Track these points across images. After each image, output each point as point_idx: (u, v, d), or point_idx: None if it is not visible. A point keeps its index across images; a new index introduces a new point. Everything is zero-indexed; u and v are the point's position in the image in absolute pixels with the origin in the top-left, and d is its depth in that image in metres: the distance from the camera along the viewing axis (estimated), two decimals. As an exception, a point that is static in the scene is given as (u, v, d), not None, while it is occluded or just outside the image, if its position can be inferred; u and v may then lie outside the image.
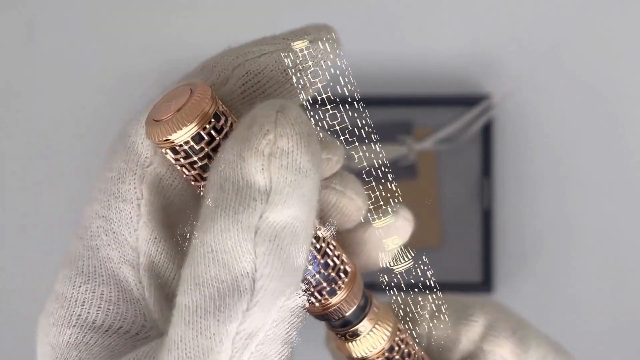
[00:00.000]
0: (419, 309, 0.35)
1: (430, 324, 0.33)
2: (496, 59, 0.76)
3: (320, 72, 0.29)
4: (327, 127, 0.33)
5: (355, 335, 0.31)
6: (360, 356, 0.32)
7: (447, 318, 0.35)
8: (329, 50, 0.29)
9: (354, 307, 0.31)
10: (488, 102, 0.73)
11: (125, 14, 0.76)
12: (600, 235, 0.76)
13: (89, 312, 0.28)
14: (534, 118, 0.76)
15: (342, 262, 0.30)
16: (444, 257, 0.73)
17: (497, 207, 0.75)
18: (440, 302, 0.34)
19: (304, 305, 0.29)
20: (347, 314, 0.31)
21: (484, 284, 0.73)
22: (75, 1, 0.76)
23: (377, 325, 0.32)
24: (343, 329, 0.31)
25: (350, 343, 0.32)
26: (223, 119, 0.28)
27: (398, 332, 0.32)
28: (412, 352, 0.33)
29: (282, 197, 0.24)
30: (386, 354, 0.32)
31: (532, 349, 0.34)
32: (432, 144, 0.73)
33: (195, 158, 0.28)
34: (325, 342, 0.34)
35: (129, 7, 0.76)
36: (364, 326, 0.31)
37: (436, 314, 0.35)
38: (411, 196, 0.74)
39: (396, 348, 0.32)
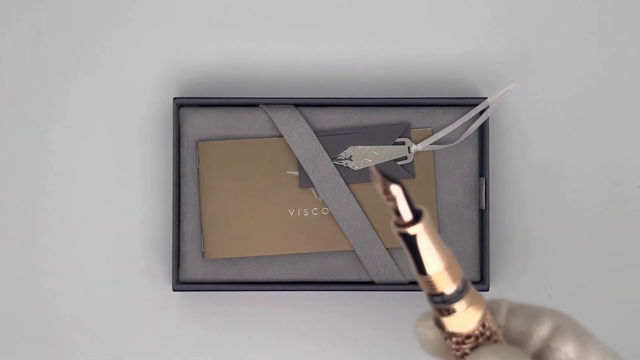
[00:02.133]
0: (498, 306, 0.41)
1: (509, 318, 0.40)
2: (493, 62, 0.76)
3: None
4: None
5: (452, 311, 0.37)
6: (450, 330, 0.38)
7: (521, 317, 0.41)
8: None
9: (454, 290, 0.37)
10: (484, 104, 0.73)
11: (131, 17, 0.76)
12: (596, 235, 0.76)
13: None
14: (531, 119, 0.76)
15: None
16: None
17: (493, 207, 0.75)
18: (514, 305, 0.41)
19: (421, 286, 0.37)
20: (445, 294, 0.37)
21: (480, 283, 0.74)
22: (81, 4, 0.76)
23: (471, 307, 0.37)
24: (441, 304, 0.37)
25: (444, 318, 0.37)
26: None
27: (487, 317, 0.38)
28: (496, 335, 0.38)
29: None
30: (476, 332, 0.38)
31: (593, 350, 0.40)
32: (429, 145, 0.73)
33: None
34: (416, 326, 0.41)
35: (136, 10, 0.76)
36: (460, 306, 0.37)
37: (512, 312, 0.41)
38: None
39: (482, 329, 0.38)
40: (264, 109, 0.73)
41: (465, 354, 0.38)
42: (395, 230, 0.36)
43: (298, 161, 0.73)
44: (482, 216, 0.74)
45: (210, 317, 0.75)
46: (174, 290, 0.73)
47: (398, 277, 0.73)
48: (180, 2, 0.76)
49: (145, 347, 0.75)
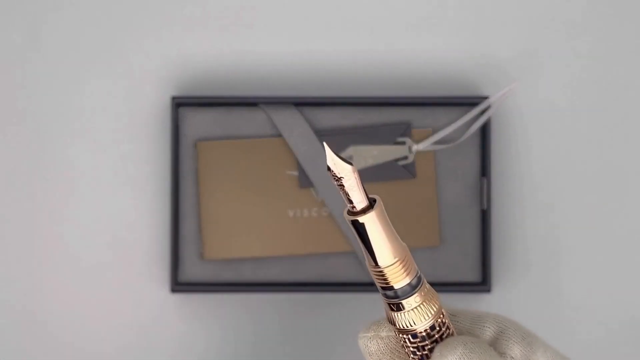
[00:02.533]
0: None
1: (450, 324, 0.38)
2: (494, 60, 0.76)
3: None
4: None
5: (403, 307, 0.36)
6: (402, 327, 0.37)
7: (462, 322, 0.39)
8: None
9: (406, 284, 0.36)
10: (486, 104, 0.73)
11: (129, 16, 0.76)
12: (598, 236, 0.76)
13: None
14: (532, 119, 0.76)
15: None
16: (442, 257, 0.73)
17: (495, 208, 0.75)
18: (454, 310, 0.39)
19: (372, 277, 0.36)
20: (397, 288, 0.36)
21: (482, 283, 0.73)
22: (80, 3, 0.76)
23: (424, 303, 0.36)
24: (393, 299, 0.36)
25: (396, 313, 0.37)
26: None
27: (441, 315, 0.37)
28: (451, 333, 0.38)
29: None
30: (427, 330, 0.37)
31: (539, 352, 0.38)
32: (430, 145, 0.73)
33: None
34: (358, 338, 0.40)
35: (134, 9, 0.76)
36: (413, 301, 0.36)
37: (453, 316, 0.39)
38: (410, 196, 0.74)
39: (437, 328, 0.37)
40: (263, 109, 0.73)
41: (427, 356, 0.37)
42: (347, 218, 0.35)
43: (298, 161, 0.73)
44: (484, 217, 0.73)
45: (209, 319, 0.75)
46: (172, 291, 0.73)
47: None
48: (179, 0, 0.76)
49: (143, 349, 0.75)
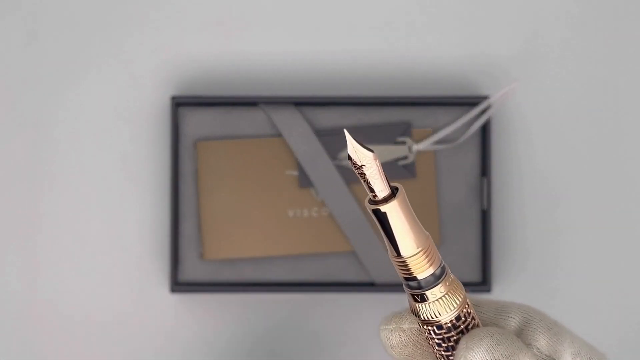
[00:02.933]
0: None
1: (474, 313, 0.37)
2: (495, 60, 0.76)
3: None
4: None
5: (427, 298, 0.35)
6: (427, 318, 0.36)
7: (486, 313, 0.38)
8: None
9: (430, 274, 0.35)
10: (487, 103, 0.73)
11: (129, 15, 0.76)
12: (599, 236, 0.76)
13: None
14: (533, 119, 0.76)
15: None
16: (442, 257, 0.73)
17: (495, 207, 0.75)
18: (478, 300, 0.38)
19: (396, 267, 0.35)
20: (421, 279, 0.35)
21: (482, 283, 0.73)
22: (79, 2, 0.76)
23: (448, 294, 0.36)
24: (417, 290, 0.35)
25: (420, 304, 0.35)
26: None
27: (466, 306, 0.36)
28: (476, 325, 0.37)
29: None
30: (453, 321, 0.36)
31: (566, 343, 0.37)
32: (430, 145, 0.73)
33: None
34: (379, 330, 0.39)
35: (133, 8, 0.76)
36: (437, 292, 0.35)
37: (477, 307, 0.38)
38: (410, 196, 0.74)
39: (462, 319, 0.36)
40: (263, 109, 0.73)
41: (452, 347, 0.36)
42: (369, 207, 0.34)
43: (298, 161, 0.73)
44: (484, 216, 0.73)
45: (209, 319, 0.75)
46: (171, 291, 0.73)
47: (399, 278, 0.72)
48: (179, 0, 0.76)
49: (143, 349, 0.75)
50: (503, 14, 0.76)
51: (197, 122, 0.73)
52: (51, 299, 0.75)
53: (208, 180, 0.73)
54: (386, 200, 0.34)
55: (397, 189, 0.34)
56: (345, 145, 0.75)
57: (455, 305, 0.35)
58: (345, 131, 0.34)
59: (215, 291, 0.73)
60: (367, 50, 0.76)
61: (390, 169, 0.73)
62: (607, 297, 0.76)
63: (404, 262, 0.35)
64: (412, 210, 0.35)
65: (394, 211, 0.34)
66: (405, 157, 0.73)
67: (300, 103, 0.73)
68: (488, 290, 0.73)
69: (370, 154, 0.34)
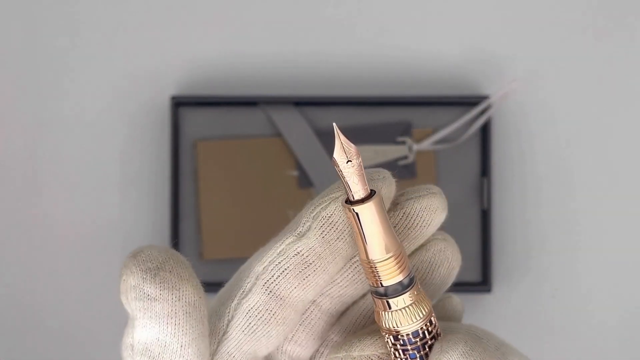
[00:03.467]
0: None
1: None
2: (495, 60, 0.76)
3: None
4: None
5: (393, 306, 0.34)
6: (387, 327, 0.35)
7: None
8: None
9: (398, 282, 0.34)
10: (487, 103, 0.73)
11: (128, 14, 0.76)
12: (599, 235, 0.76)
13: None
14: (533, 118, 0.76)
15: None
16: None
17: (496, 207, 0.75)
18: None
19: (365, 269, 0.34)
20: (387, 286, 0.34)
21: (483, 283, 0.73)
22: (79, 2, 0.76)
23: (414, 304, 0.34)
24: (382, 297, 0.34)
25: (383, 312, 0.34)
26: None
27: (429, 323, 0.35)
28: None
29: (138, 321, 0.32)
30: (409, 335, 0.35)
31: None
32: (431, 145, 0.73)
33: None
34: None
35: (133, 7, 0.76)
36: (403, 300, 0.34)
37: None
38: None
39: (421, 335, 0.35)
40: (263, 109, 0.73)
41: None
42: (345, 207, 0.34)
43: (298, 161, 0.73)
44: (484, 216, 0.73)
45: (209, 319, 0.75)
46: (171, 291, 0.73)
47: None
48: (178, 0, 0.76)
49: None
50: (504, 13, 0.76)
51: (197, 122, 0.73)
52: (50, 298, 0.75)
53: (208, 180, 0.73)
54: (362, 201, 0.33)
55: (374, 191, 0.34)
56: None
57: (417, 318, 0.34)
58: (335, 125, 0.33)
59: (215, 291, 0.73)
60: (367, 50, 0.75)
61: (390, 169, 0.73)
62: (608, 297, 0.75)
63: (372, 266, 0.34)
64: (387, 216, 0.34)
65: (369, 212, 0.33)
66: (405, 157, 0.73)
67: (300, 103, 0.73)
68: (488, 290, 0.73)
69: (356, 150, 0.34)
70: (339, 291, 0.36)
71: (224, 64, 0.76)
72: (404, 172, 0.73)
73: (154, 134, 0.75)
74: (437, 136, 0.73)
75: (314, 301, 0.36)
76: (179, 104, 0.73)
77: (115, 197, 0.75)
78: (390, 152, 0.73)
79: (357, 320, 0.37)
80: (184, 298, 0.35)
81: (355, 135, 0.73)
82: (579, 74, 0.76)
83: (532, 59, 0.76)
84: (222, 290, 0.39)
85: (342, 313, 0.37)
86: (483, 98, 0.73)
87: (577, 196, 0.76)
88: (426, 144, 0.73)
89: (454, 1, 0.76)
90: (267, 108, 0.73)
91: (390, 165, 0.73)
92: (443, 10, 0.76)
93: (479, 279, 0.74)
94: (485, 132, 0.73)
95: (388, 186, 0.35)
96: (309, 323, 0.36)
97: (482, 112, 0.73)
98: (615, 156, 0.76)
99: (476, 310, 0.74)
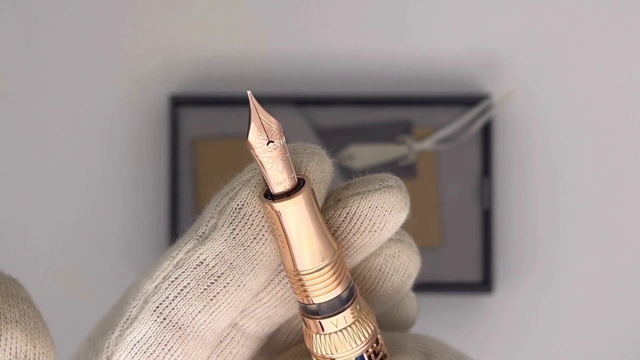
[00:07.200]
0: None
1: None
2: (497, 58, 0.76)
3: None
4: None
5: (330, 328, 0.26)
6: (321, 354, 0.26)
7: None
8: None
9: (334, 297, 0.26)
10: (488, 102, 0.73)
11: (127, 12, 0.76)
12: (600, 236, 0.76)
13: None
14: (535, 118, 0.76)
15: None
16: (444, 258, 0.73)
17: (497, 207, 0.75)
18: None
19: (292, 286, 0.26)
20: (321, 302, 0.26)
21: (484, 284, 0.73)
22: (78, 2, 0.76)
23: (357, 323, 0.26)
24: (314, 316, 0.26)
25: (315, 335, 0.26)
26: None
27: (374, 345, 0.27)
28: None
29: None
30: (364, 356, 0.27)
31: None
32: (431, 144, 0.73)
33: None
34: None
35: (132, 5, 0.76)
36: (342, 320, 0.26)
37: None
38: (411, 196, 0.73)
39: (371, 353, 0.27)
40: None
41: None
42: (263, 202, 0.25)
43: (298, 160, 0.73)
44: (486, 216, 0.73)
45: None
46: (170, 292, 0.73)
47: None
48: (183, 4, 0.76)
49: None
50: (505, 12, 0.76)
51: (196, 121, 0.73)
52: (50, 298, 0.75)
53: (207, 180, 0.73)
54: (288, 194, 0.25)
55: (303, 181, 0.25)
56: (345, 144, 0.75)
57: (359, 342, 0.26)
58: (249, 93, 0.25)
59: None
60: (367, 49, 0.75)
61: (390, 169, 0.73)
62: (610, 298, 0.75)
63: (300, 278, 0.25)
64: (320, 212, 0.26)
65: (297, 210, 0.25)
66: (405, 157, 0.73)
67: (301, 102, 0.73)
68: (490, 291, 0.72)
69: (279, 126, 0.25)
70: (266, 312, 0.27)
71: (224, 63, 0.76)
72: (404, 172, 0.73)
73: (153, 134, 0.75)
74: (437, 135, 0.73)
75: (235, 324, 0.27)
76: (178, 103, 0.73)
77: (114, 197, 0.75)
78: (391, 151, 0.73)
79: (287, 338, 0.28)
80: (7, 349, 0.25)
81: (355, 135, 0.73)
82: (581, 73, 0.76)
83: (534, 58, 0.76)
84: (104, 317, 0.29)
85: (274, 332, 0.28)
86: (484, 97, 0.73)
87: (579, 196, 0.76)
88: (427, 144, 0.73)
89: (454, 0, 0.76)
90: (267, 107, 0.73)
91: (391, 165, 0.73)
92: (444, 9, 0.76)
93: (480, 280, 0.74)
94: (486, 131, 0.73)
95: (319, 166, 0.27)
96: (229, 353, 0.27)
97: (484, 111, 0.73)
98: (617, 156, 0.76)
99: (477, 312, 0.74)
